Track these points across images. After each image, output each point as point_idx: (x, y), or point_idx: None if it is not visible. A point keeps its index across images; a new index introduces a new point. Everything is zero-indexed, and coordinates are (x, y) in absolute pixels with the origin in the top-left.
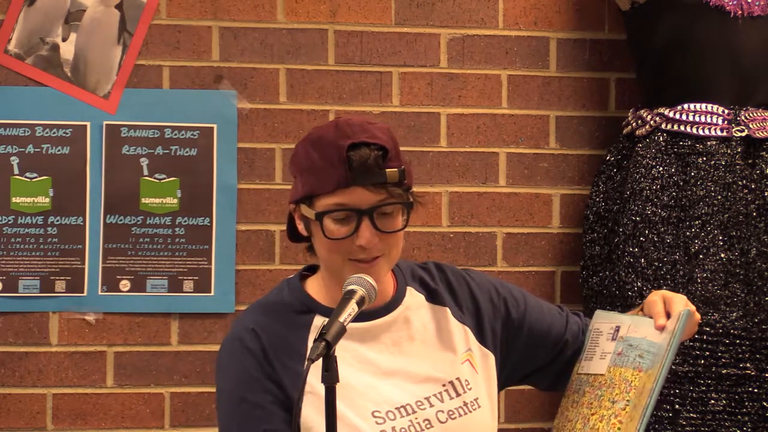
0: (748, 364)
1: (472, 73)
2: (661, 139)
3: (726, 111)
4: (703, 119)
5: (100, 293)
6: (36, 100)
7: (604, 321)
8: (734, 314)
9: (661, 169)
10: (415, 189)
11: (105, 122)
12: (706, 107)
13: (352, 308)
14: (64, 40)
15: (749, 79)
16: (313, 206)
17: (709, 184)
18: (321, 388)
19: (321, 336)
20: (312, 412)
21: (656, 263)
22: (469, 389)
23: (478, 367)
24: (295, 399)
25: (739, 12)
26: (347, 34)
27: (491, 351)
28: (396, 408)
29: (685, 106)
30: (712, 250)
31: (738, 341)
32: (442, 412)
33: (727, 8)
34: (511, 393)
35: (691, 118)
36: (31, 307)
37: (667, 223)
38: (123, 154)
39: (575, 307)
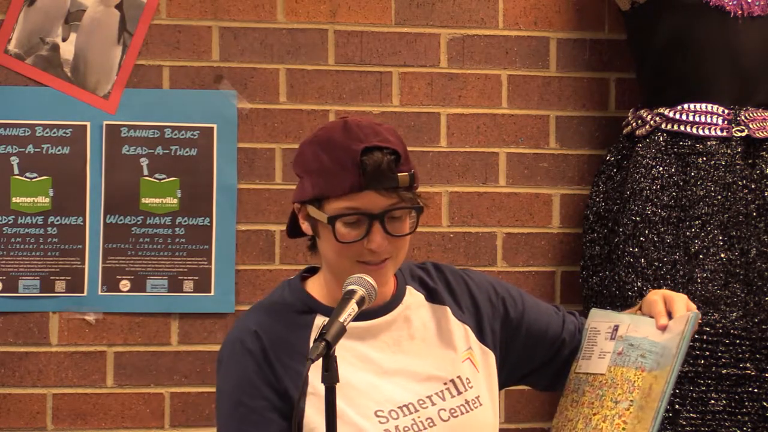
0: (748, 364)
1: (472, 73)
2: (661, 139)
3: (726, 111)
4: (703, 119)
5: (100, 293)
6: (36, 100)
7: (601, 320)
8: (734, 314)
9: (661, 169)
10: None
11: (105, 122)
12: (706, 107)
13: (352, 308)
14: (64, 40)
15: (749, 79)
16: (323, 208)
17: (709, 184)
18: (322, 389)
19: (321, 336)
20: (314, 413)
21: (656, 263)
22: (471, 387)
23: (478, 366)
24: (296, 399)
25: (739, 12)
26: (347, 34)
27: (491, 350)
28: (399, 407)
29: (685, 106)
30: (712, 250)
31: (738, 341)
32: (444, 410)
33: (727, 8)
34: (511, 393)
35: (691, 118)
36: (31, 307)
37: (667, 223)
38: (123, 154)
39: (575, 307)
